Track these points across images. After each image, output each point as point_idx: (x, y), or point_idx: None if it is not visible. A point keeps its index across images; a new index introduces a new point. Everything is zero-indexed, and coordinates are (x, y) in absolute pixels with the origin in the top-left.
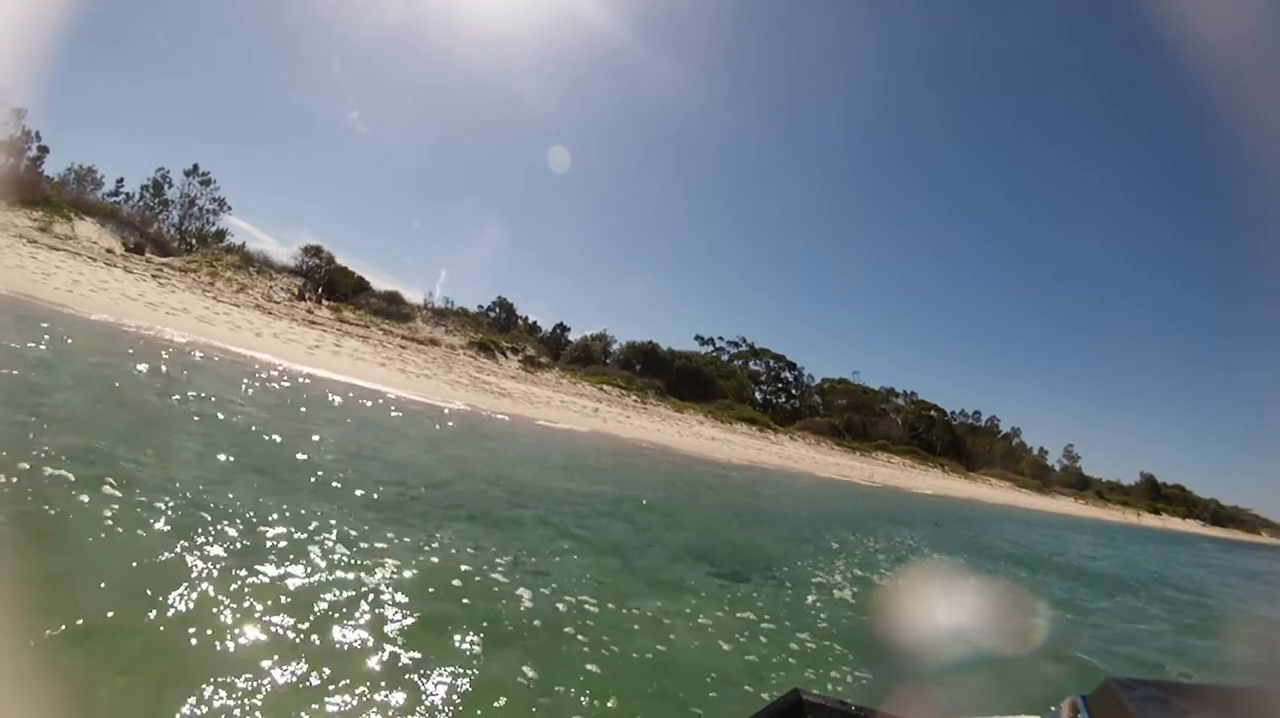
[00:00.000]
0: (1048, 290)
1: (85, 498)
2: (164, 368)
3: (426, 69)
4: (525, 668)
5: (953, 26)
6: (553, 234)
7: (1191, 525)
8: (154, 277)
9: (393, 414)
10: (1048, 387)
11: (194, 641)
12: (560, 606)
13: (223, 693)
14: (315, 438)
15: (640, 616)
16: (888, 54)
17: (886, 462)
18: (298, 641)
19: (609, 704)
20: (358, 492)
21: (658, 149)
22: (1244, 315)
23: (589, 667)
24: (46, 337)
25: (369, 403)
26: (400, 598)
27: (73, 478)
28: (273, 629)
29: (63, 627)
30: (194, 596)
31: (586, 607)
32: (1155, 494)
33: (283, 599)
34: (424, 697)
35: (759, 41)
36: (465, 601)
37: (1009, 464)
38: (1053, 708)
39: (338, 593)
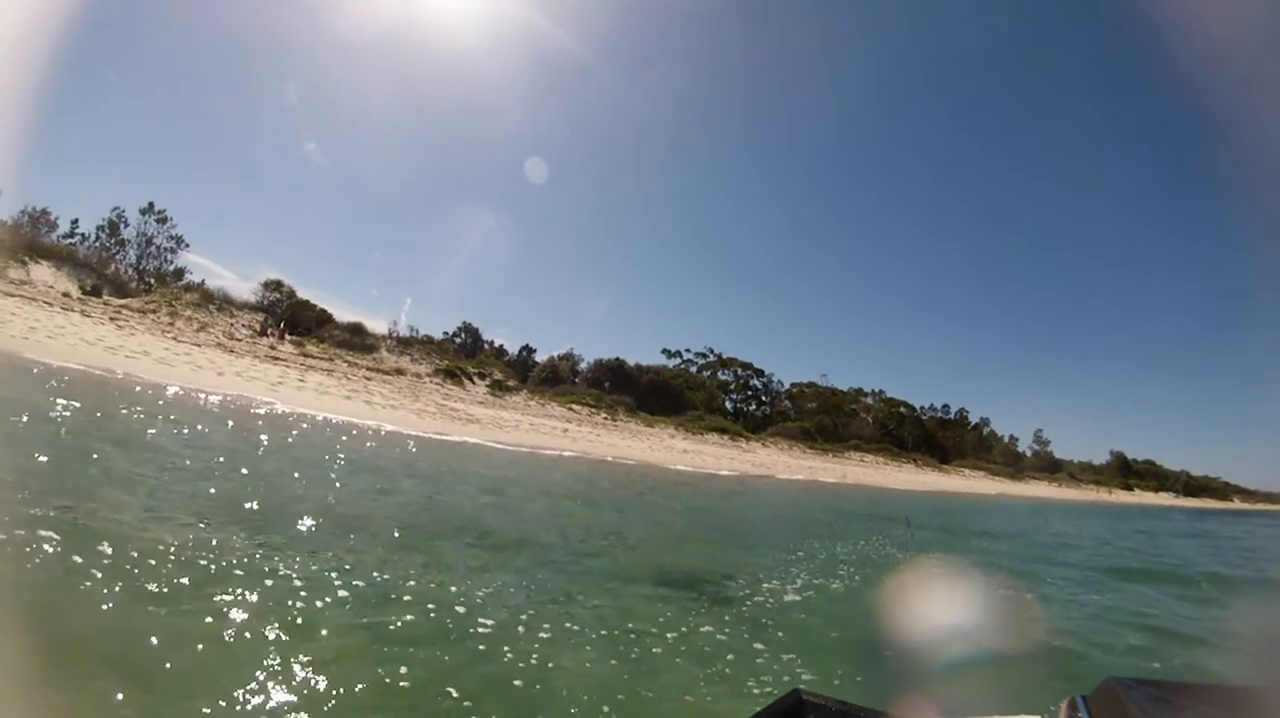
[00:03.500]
0: (1001, 279)
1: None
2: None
3: (383, 96)
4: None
5: (918, 21)
6: (516, 256)
7: (1164, 498)
8: (112, 319)
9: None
10: (1012, 375)
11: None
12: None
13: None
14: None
15: (601, 633)
16: (845, 55)
17: (860, 461)
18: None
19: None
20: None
21: (616, 166)
22: (1203, 294)
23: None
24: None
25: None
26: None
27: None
28: None
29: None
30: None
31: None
32: (1127, 471)
33: None
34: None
35: (711, 52)
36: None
37: (981, 454)
38: (1052, 708)
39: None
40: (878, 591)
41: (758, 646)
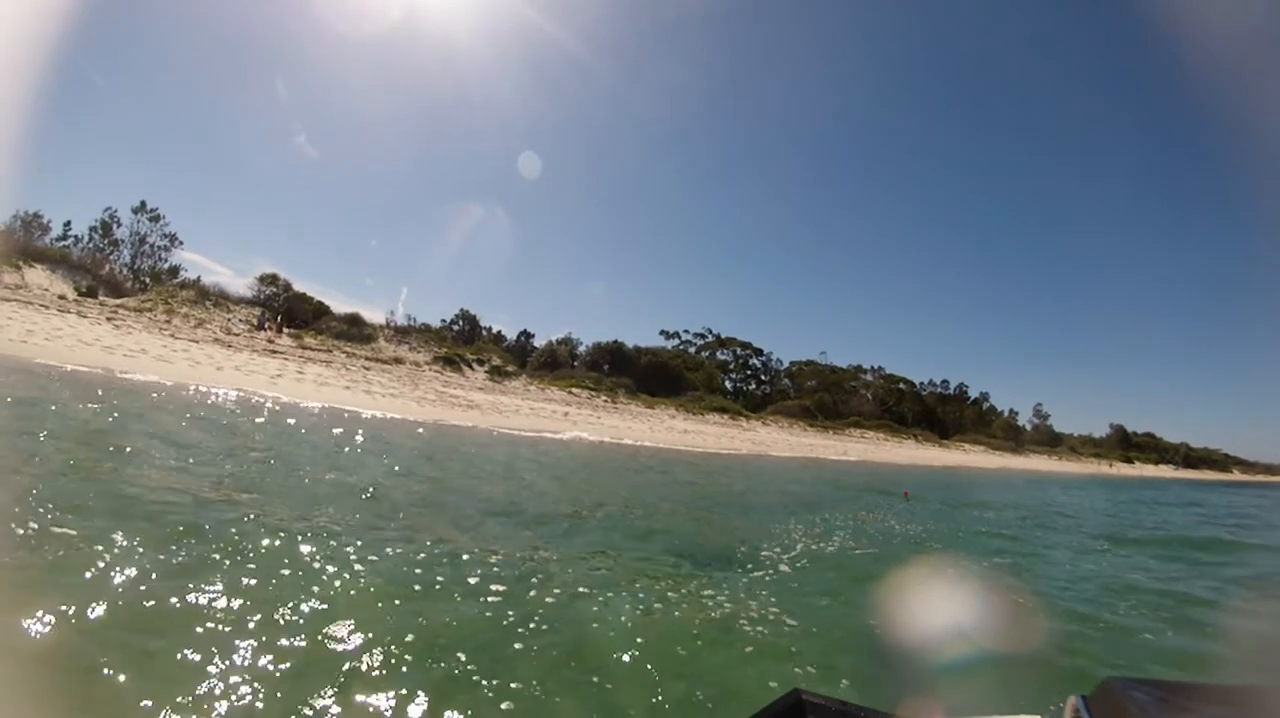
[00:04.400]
0: (999, 255)
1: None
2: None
3: (374, 87)
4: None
5: (918, 13)
6: (514, 243)
7: (1164, 470)
8: (109, 319)
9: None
10: (1011, 349)
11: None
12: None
13: None
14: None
15: (608, 595)
16: (843, 40)
17: (860, 438)
18: None
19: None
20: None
21: (612, 153)
22: (1207, 267)
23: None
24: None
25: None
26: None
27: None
28: None
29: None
30: None
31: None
32: (1126, 444)
33: None
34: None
35: (706, 40)
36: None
37: (981, 429)
38: (1052, 708)
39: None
40: (872, 560)
41: (751, 603)
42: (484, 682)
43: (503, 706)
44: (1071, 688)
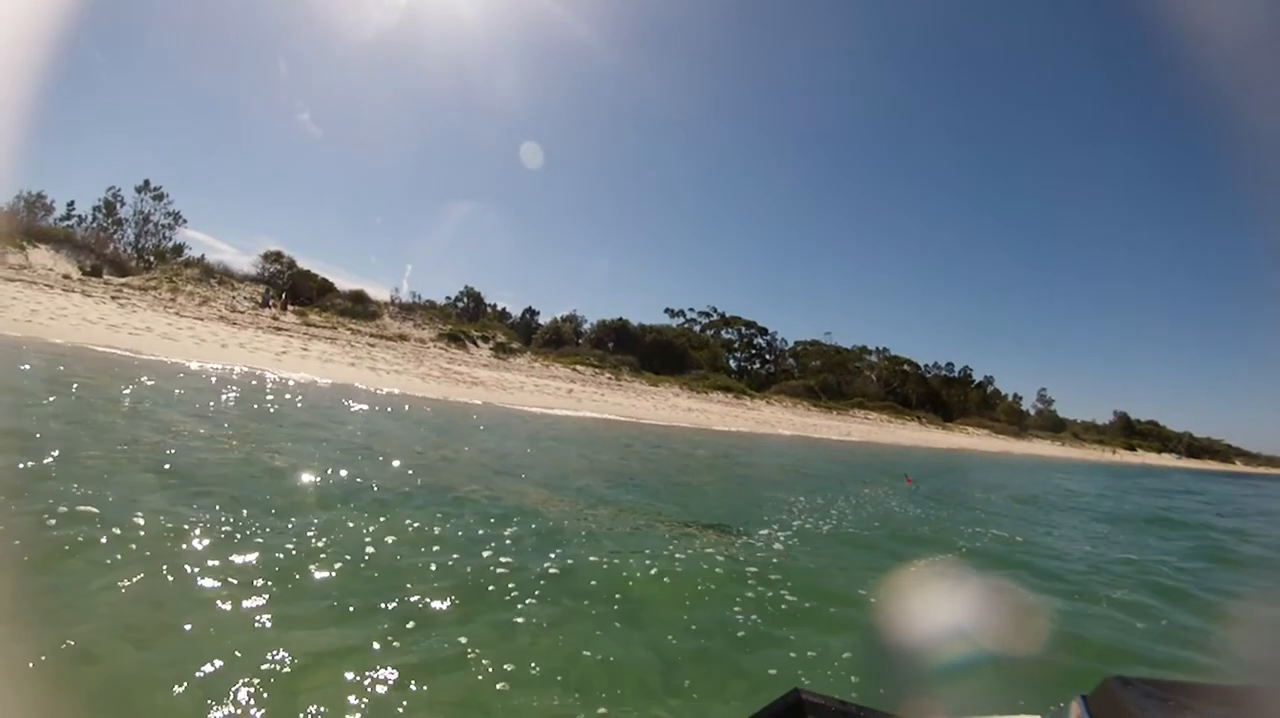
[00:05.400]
0: (1006, 239)
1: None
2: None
3: (377, 64)
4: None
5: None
6: (518, 220)
7: (1167, 459)
8: (113, 298)
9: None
10: (1016, 333)
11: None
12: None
13: None
14: None
15: (616, 561)
16: (844, 34)
17: (863, 418)
18: None
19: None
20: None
21: (618, 133)
22: (1217, 254)
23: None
24: None
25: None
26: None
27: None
28: None
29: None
30: None
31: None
32: (1130, 431)
33: None
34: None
35: (714, 28)
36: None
37: (985, 412)
38: (1052, 708)
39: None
40: (867, 538)
41: (751, 568)
42: (516, 617)
43: (532, 621)
44: (1071, 677)
